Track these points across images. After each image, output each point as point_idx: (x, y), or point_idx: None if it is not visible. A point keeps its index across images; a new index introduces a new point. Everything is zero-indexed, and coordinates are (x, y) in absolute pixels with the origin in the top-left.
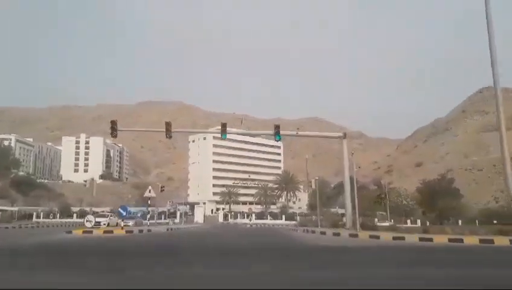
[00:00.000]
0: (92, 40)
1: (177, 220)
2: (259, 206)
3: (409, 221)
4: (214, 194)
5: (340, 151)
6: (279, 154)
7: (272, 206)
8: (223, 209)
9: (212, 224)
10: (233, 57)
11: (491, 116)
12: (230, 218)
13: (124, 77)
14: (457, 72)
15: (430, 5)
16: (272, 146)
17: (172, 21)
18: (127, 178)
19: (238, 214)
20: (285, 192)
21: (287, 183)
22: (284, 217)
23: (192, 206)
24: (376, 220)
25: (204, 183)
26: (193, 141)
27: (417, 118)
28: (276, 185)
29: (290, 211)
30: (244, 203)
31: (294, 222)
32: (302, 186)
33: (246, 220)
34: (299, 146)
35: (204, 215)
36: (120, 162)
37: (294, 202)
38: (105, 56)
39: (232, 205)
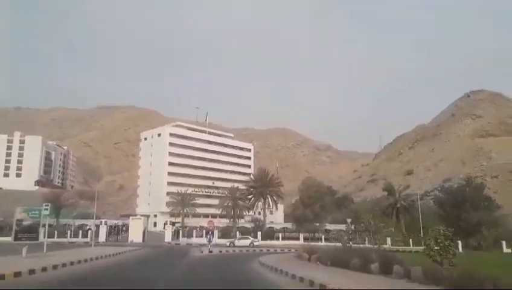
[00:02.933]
0: (50, 40)
1: (87, 240)
2: (225, 220)
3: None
4: (168, 204)
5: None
6: (249, 158)
7: (241, 220)
8: (174, 223)
9: (153, 246)
10: (200, 63)
11: (483, 120)
12: (183, 236)
13: (81, 80)
14: (425, 84)
15: (397, 18)
16: (241, 148)
17: (134, 25)
18: (72, 186)
19: (194, 231)
20: (261, 199)
21: (266, 185)
22: (259, 234)
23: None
24: (388, 241)
25: (156, 190)
26: (145, 139)
27: (386, 131)
28: (251, 189)
29: (267, 225)
30: (206, 216)
31: (295, 243)
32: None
33: (203, 239)
34: (264, 158)
35: (144, 233)
36: (64, 167)
37: (271, 212)
38: (63, 58)
39: (189, 218)
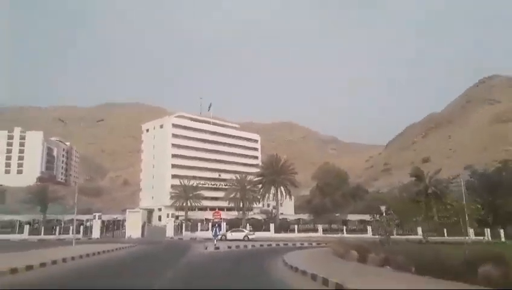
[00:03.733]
0: (49, 38)
1: (79, 236)
2: (233, 213)
3: (471, 232)
4: (173, 197)
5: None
6: (256, 149)
7: (250, 213)
8: (178, 217)
9: (152, 242)
10: (203, 58)
11: (501, 106)
12: (187, 230)
13: (83, 78)
14: (430, 74)
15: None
16: (248, 139)
17: (135, 19)
18: (76, 182)
19: (199, 224)
20: (273, 188)
21: (278, 173)
22: (272, 226)
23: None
24: (420, 231)
25: (160, 183)
26: (147, 130)
27: (388, 124)
28: (259, 178)
29: (280, 217)
30: (213, 209)
31: (313, 235)
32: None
33: (209, 233)
34: (269, 151)
35: (144, 227)
36: (67, 164)
37: (281, 204)
38: (63, 56)
39: (195, 211)
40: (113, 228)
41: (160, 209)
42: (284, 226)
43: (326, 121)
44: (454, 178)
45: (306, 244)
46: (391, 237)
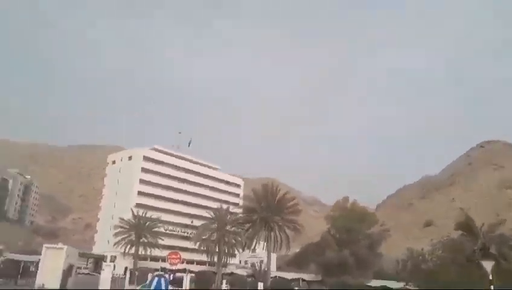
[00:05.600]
0: (29, 74)
1: None
2: (203, 266)
3: None
4: (118, 234)
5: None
6: (237, 195)
7: (227, 267)
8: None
9: None
10: (186, 108)
11: (507, 171)
12: (131, 282)
13: (62, 117)
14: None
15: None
16: (229, 183)
17: (111, 54)
18: (32, 221)
19: (149, 275)
20: (265, 230)
21: (273, 211)
22: (261, 286)
23: (96, 261)
24: None
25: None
26: (113, 162)
27: (373, 187)
28: (243, 215)
29: (273, 274)
30: (180, 262)
31: None
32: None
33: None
34: None
35: (67, 273)
36: (23, 200)
37: (262, 260)
38: (44, 93)
39: (157, 262)
40: (34, 272)
41: (115, 257)
42: (279, 287)
43: (309, 181)
44: None
45: None
46: None
